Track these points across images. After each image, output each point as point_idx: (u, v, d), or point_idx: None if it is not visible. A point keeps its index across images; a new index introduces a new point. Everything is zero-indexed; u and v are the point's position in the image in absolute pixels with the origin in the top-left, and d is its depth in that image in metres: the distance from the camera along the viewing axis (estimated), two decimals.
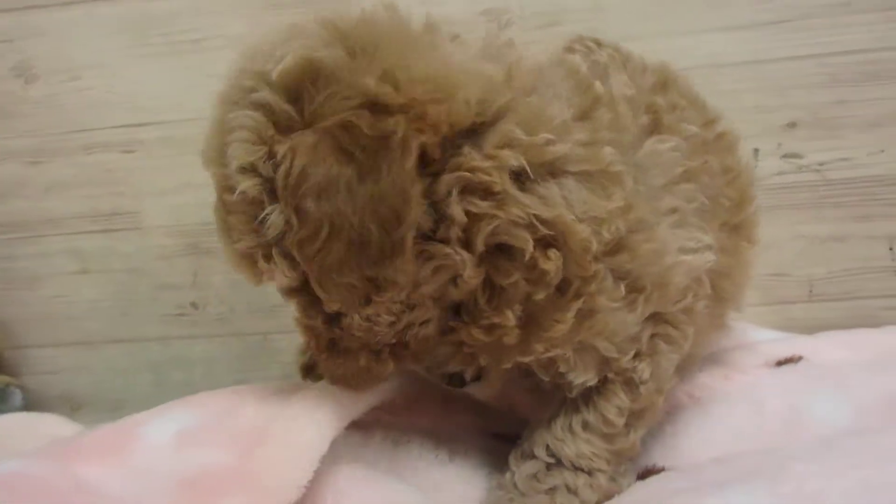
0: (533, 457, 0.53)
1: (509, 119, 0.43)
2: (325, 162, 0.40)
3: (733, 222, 0.57)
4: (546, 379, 0.50)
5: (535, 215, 0.43)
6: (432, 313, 0.47)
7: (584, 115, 0.46)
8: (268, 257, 0.44)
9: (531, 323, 0.46)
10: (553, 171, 0.43)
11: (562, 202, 0.43)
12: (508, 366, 0.48)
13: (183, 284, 0.94)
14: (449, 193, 0.42)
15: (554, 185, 0.43)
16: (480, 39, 0.47)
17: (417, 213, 0.41)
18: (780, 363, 0.68)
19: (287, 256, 0.43)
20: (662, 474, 0.55)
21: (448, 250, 0.43)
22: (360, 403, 0.51)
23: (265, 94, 0.42)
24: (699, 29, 0.84)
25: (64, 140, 0.92)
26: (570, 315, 0.45)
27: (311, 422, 0.46)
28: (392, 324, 0.46)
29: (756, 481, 0.46)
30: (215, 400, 0.50)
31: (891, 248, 0.85)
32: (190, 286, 0.94)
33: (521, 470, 0.53)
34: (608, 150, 0.45)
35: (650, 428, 0.56)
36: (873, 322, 0.81)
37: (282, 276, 0.44)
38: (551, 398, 0.55)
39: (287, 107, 0.42)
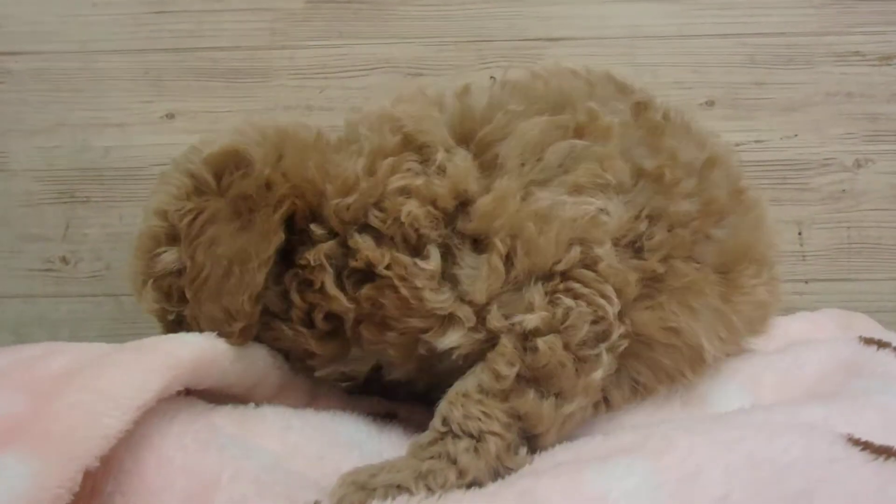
0: (429, 428, 0.50)
1: (325, 214, 0.53)
2: (220, 221, 0.52)
3: (719, 262, 0.55)
4: (425, 352, 0.52)
5: (351, 303, 0.52)
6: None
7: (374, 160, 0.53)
8: (144, 283, 0.55)
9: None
10: (358, 224, 0.52)
11: (369, 243, 0.51)
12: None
13: (52, 236, 0.85)
14: (291, 285, 0.53)
15: (357, 236, 0.51)
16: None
17: (271, 255, 0.51)
18: None
19: (157, 290, 0.55)
20: (549, 450, 0.51)
21: (284, 328, 0.54)
22: (204, 370, 0.45)
23: (196, 167, 0.55)
24: None
25: None
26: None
27: (128, 369, 0.40)
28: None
29: (638, 454, 0.43)
30: (33, 349, 0.43)
31: (799, 234, 0.85)
32: (60, 239, 0.85)
33: (413, 441, 0.49)
34: (396, 177, 0.51)
35: (577, 403, 0.49)
36: (779, 306, 0.80)
37: (147, 303, 0.55)
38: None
39: (209, 178, 0.54)
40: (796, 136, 0.84)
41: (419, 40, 0.82)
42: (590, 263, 0.49)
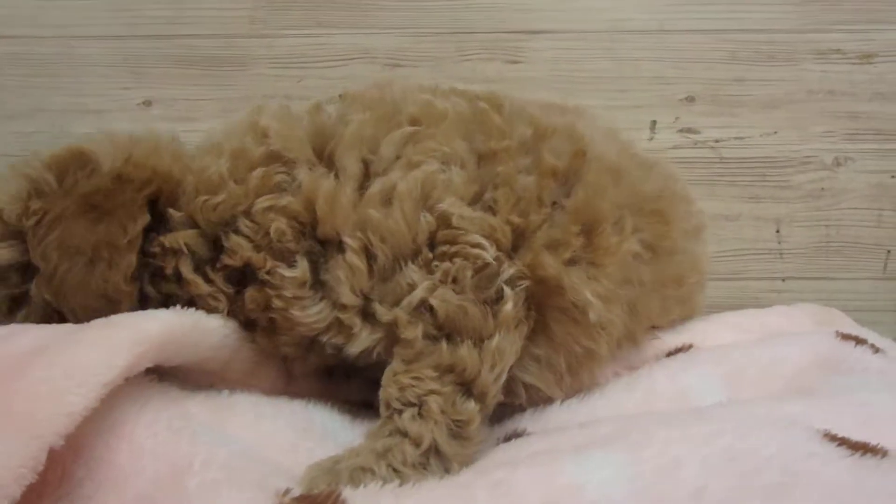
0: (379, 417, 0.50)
1: (180, 203, 0.54)
2: (68, 219, 0.51)
3: (578, 228, 0.54)
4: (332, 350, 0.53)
5: (221, 286, 0.53)
6: None
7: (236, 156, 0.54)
8: None
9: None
10: (229, 222, 0.53)
11: (247, 245, 0.52)
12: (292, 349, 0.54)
13: None
14: (142, 276, 0.53)
15: (233, 236, 0.52)
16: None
17: (139, 233, 0.51)
18: (669, 354, 0.66)
19: None
20: (524, 437, 0.51)
21: None
22: (174, 345, 0.45)
23: (33, 169, 0.54)
24: None
25: None
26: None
27: (94, 345, 0.40)
28: None
29: (616, 446, 0.43)
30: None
31: (777, 231, 0.85)
32: None
33: (369, 430, 0.50)
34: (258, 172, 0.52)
35: (500, 338, 0.49)
36: (757, 303, 0.80)
37: None
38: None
39: (50, 178, 0.53)
40: (776, 133, 0.84)
41: (398, 31, 0.82)
42: (444, 223, 0.50)
